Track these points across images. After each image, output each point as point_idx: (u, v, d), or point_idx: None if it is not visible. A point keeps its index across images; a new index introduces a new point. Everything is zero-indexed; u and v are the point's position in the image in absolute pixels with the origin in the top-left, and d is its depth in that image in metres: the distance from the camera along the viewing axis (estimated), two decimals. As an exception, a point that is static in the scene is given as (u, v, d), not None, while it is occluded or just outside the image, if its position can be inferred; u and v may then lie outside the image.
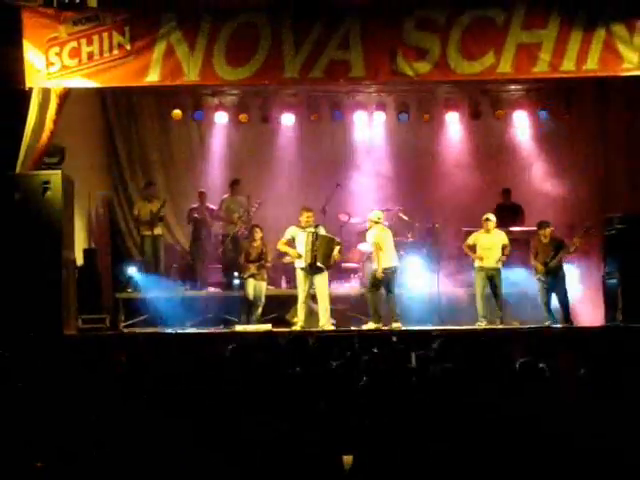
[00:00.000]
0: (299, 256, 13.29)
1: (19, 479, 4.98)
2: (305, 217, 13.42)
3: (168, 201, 16.07)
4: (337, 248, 13.47)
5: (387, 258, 13.26)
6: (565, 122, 16.36)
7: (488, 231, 13.89)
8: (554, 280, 13.61)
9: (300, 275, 13.39)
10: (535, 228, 14.17)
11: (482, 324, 13.51)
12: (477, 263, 13.88)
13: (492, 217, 13.93)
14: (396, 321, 13.14)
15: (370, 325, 13.16)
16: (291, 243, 13.51)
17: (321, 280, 13.35)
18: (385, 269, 13.14)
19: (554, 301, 13.66)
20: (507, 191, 15.99)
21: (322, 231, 13.48)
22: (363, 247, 15.27)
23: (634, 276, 13.36)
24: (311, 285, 13.37)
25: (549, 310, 13.62)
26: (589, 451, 4.86)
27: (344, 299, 14.94)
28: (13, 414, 5.69)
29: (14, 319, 11.80)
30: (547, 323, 13.51)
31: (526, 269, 14.22)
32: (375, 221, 13.44)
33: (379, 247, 13.20)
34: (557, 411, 5.40)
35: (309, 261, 13.20)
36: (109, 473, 4.99)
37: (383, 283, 13.27)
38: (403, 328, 12.96)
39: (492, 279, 13.78)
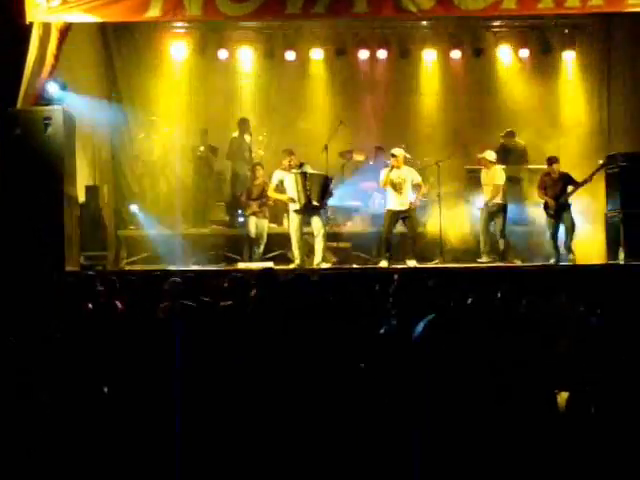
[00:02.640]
0: (292, 200, 13.23)
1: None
2: (288, 160, 13.37)
3: (171, 138, 16.01)
4: (330, 186, 13.40)
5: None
6: (569, 60, 16.27)
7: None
8: (563, 215, 13.63)
9: (295, 218, 13.30)
10: (537, 166, 14.19)
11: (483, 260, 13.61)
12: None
13: None
14: (411, 259, 13.16)
15: (383, 263, 13.16)
16: (280, 188, 13.45)
17: (317, 220, 13.32)
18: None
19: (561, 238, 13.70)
20: (511, 133, 15.87)
21: (308, 169, 13.39)
22: (365, 185, 15.27)
23: (636, 214, 13.37)
24: (306, 225, 13.36)
25: (556, 247, 13.66)
26: (589, 384, 4.90)
27: (347, 237, 14.96)
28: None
29: (16, 256, 11.79)
30: (552, 260, 13.54)
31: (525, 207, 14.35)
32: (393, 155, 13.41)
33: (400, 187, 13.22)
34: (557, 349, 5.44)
35: (303, 201, 13.09)
36: (108, 412, 5.03)
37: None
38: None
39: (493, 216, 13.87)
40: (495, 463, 4.09)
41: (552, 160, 13.80)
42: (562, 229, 13.70)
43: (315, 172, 13.34)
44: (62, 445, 4.68)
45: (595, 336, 5.51)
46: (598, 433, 4.59)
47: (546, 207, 13.76)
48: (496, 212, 13.88)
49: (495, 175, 13.93)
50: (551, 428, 4.58)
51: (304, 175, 13.11)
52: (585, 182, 13.55)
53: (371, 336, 5.47)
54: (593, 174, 13.57)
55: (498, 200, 13.88)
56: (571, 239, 13.58)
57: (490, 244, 13.87)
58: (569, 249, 13.54)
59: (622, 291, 7.95)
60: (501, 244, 13.85)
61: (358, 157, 15.99)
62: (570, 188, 13.61)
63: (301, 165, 13.39)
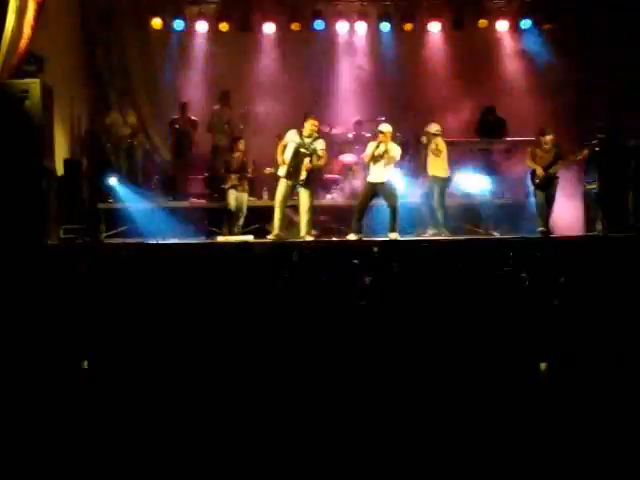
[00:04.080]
0: (283, 162, 13.14)
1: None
2: (309, 125, 13.15)
3: (149, 112, 15.97)
4: (306, 160, 13.25)
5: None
6: (549, 33, 16.28)
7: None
8: (549, 187, 13.63)
9: (281, 184, 13.19)
10: (517, 138, 14.29)
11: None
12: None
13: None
14: (393, 231, 13.16)
15: (351, 236, 13.16)
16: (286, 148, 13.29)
17: (303, 193, 13.24)
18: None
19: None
20: (491, 109, 15.79)
21: (319, 145, 13.24)
22: (345, 158, 15.28)
23: (613, 186, 13.48)
24: (291, 196, 13.34)
25: (544, 216, 13.66)
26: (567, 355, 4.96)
27: (326, 210, 14.98)
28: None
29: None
30: (540, 229, 13.55)
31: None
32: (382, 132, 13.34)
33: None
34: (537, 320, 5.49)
35: (286, 172, 13.05)
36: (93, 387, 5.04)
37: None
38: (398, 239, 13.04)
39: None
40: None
41: (545, 131, 13.72)
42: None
43: (304, 152, 13.14)
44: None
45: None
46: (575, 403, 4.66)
47: (533, 176, 13.71)
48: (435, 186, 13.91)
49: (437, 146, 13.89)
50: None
51: (297, 151, 13.04)
52: (577, 161, 13.65)
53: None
54: (586, 157, 13.64)
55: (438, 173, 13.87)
56: (550, 212, 13.65)
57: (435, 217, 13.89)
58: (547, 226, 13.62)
59: (600, 262, 8.06)
60: (439, 216, 13.81)
61: (337, 131, 16.00)
62: (560, 161, 13.59)
63: (316, 139, 13.26)
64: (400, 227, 13.10)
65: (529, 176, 13.87)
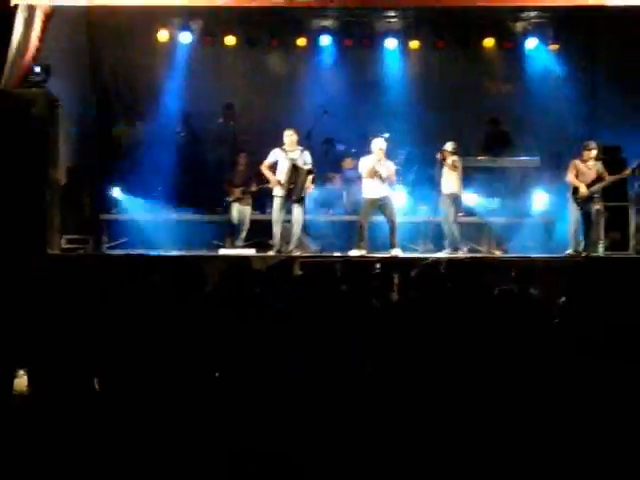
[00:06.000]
0: (278, 183, 13.29)
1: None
2: (286, 137, 13.38)
3: (154, 123, 16.01)
4: (310, 178, 13.42)
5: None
6: (555, 52, 16.30)
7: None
8: (590, 205, 13.37)
9: (277, 203, 13.40)
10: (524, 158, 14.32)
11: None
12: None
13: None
14: (394, 247, 13.22)
15: (354, 252, 13.20)
16: (274, 166, 13.48)
17: (298, 209, 13.38)
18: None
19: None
20: (495, 120, 15.88)
21: (308, 158, 13.42)
22: (347, 174, 15.31)
23: (615, 206, 13.48)
24: (287, 212, 13.42)
25: (576, 237, 13.36)
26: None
27: (326, 225, 15.01)
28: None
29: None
30: (569, 252, 13.29)
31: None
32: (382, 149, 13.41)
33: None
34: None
35: (284, 192, 13.24)
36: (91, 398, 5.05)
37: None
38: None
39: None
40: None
41: (588, 144, 13.44)
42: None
43: (303, 167, 13.32)
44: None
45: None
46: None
47: (575, 193, 13.34)
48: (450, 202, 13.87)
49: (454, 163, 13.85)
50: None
51: (294, 168, 13.15)
52: (619, 178, 13.38)
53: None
54: (630, 172, 13.42)
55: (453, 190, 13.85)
56: (589, 231, 13.37)
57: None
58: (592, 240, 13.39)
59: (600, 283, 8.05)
60: (456, 232, 13.76)
61: (341, 146, 16.04)
62: (604, 179, 13.30)
63: (302, 151, 13.40)
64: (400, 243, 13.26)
65: (570, 192, 13.46)
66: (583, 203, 13.34)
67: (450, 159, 13.76)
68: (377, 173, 13.29)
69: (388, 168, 13.38)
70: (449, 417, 4.73)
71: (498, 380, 5.00)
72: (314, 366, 5.12)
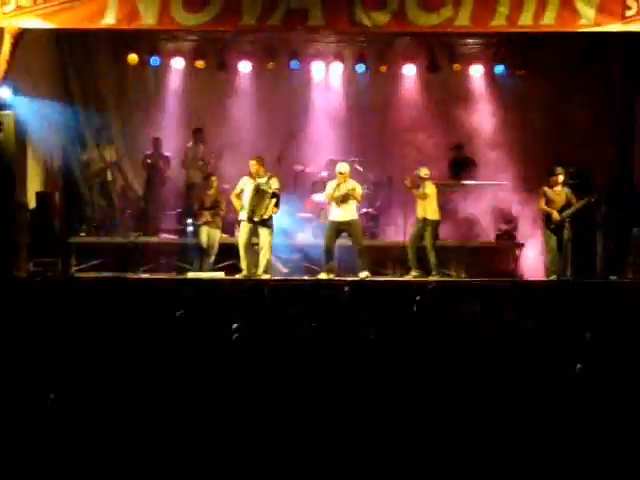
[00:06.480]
0: (242, 208, 13.39)
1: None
2: (250, 167, 13.53)
3: (123, 147, 15.98)
4: (272, 201, 13.47)
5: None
6: (521, 78, 16.38)
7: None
8: (562, 230, 13.49)
9: (243, 227, 13.55)
10: (493, 182, 14.42)
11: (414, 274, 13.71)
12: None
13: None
14: (362, 270, 13.25)
15: (322, 275, 13.23)
16: (241, 195, 13.57)
17: (263, 232, 13.45)
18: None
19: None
20: (459, 146, 15.96)
21: (274, 184, 13.48)
22: (317, 197, 15.32)
23: (583, 230, 13.56)
24: (254, 236, 13.47)
25: (556, 262, 13.49)
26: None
27: (298, 249, 15.01)
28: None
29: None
30: (553, 277, 13.43)
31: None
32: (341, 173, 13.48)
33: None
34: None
35: (247, 214, 13.37)
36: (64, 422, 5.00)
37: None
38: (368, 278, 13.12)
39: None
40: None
41: (556, 170, 13.59)
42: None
43: (266, 189, 13.38)
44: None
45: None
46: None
47: (548, 220, 13.52)
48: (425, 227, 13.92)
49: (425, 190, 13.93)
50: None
51: (257, 189, 13.24)
52: (588, 203, 13.53)
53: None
54: (595, 198, 13.60)
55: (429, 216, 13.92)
56: (563, 257, 13.52)
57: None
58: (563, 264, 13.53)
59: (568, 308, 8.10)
60: (432, 258, 13.84)
61: (310, 169, 16.08)
62: (574, 203, 13.48)
63: (270, 177, 13.49)
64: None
65: (544, 219, 13.66)
66: (556, 230, 13.47)
67: (421, 187, 13.80)
68: (335, 197, 13.39)
69: (347, 187, 13.39)
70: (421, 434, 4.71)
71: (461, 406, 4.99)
72: (278, 391, 5.09)
